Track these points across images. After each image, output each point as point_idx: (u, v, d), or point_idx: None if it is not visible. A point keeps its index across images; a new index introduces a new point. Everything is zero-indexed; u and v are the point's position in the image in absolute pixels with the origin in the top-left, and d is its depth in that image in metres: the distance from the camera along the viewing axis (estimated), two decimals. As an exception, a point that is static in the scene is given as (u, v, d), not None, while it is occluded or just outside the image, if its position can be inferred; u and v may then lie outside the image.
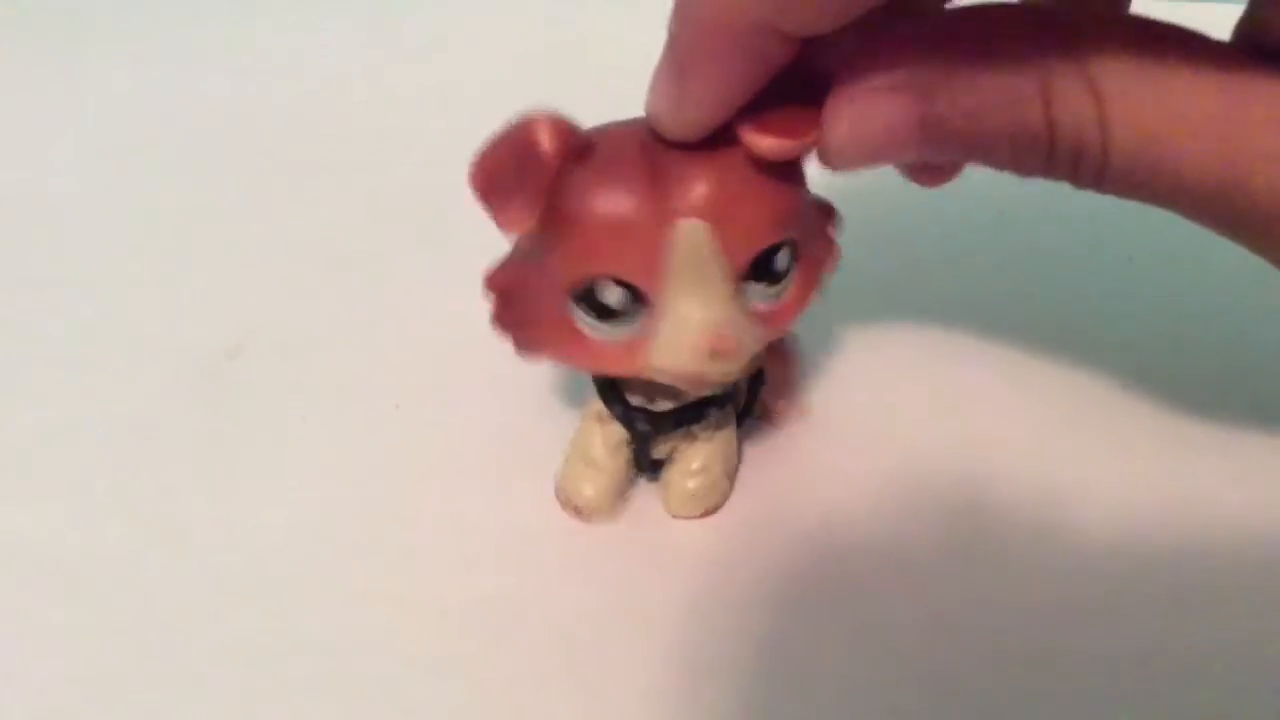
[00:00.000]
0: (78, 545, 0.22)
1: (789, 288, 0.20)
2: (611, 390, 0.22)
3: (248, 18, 0.48)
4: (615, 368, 0.20)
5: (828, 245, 0.22)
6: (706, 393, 0.21)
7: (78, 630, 0.21)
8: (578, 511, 0.22)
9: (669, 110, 0.18)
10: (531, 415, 0.25)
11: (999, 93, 0.16)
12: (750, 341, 0.19)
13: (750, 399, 0.23)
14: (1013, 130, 0.16)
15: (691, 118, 0.18)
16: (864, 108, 0.17)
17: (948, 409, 0.25)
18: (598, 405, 0.22)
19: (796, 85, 0.18)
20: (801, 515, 0.22)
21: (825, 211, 0.22)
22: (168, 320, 0.29)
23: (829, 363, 0.26)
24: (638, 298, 0.19)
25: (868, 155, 0.18)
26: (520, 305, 0.20)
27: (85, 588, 0.21)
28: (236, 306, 0.29)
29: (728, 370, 0.19)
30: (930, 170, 0.22)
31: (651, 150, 0.19)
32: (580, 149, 0.18)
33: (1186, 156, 0.15)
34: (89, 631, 0.20)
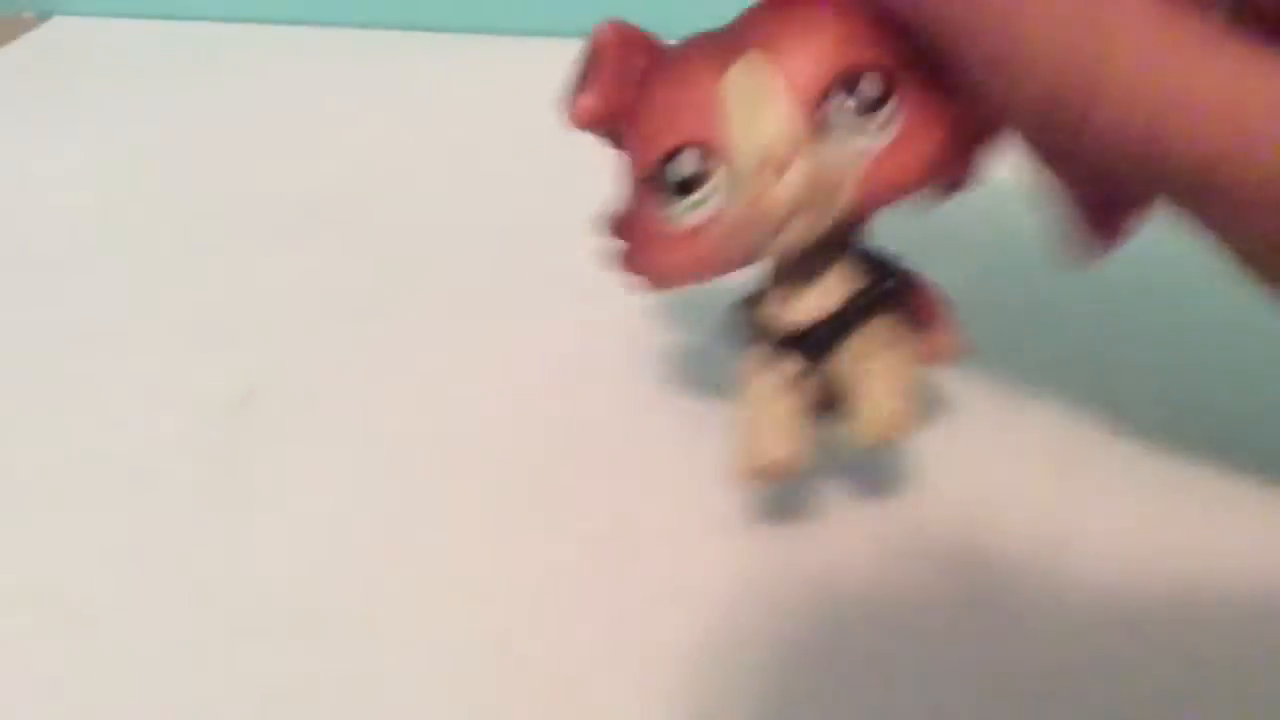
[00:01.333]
0: (87, 588, 0.23)
1: (897, 125, 0.18)
2: (754, 325, 0.20)
3: (262, 65, 0.48)
4: (704, 255, 0.19)
5: (964, 107, 0.18)
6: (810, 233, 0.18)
7: (85, 674, 0.21)
8: (768, 474, 0.20)
9: None
10: (542, 462, 0.25)
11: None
12: (828, 162, 0.18)
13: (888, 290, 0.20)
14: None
15: None
16: None
17: (947, 455, 0.25)
18: (756, 355, 0.20)
19: None
20: (805, 561, 0.22)
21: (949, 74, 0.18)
22: (179, 366, 0.29)
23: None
24: (712, 156, 0.18)
25: None
26: (632, 231, 0.20)
27: (94, 631, 0.22)
28: (248, 352, 0.29)
29: (796, 186, 0.17)
30: (1107, 224, 0.21)
31: (720, 30, 0.19)
32: (645, 46, 0.19)
33: (1189, 124, 0.14)
34: (97, 676, 0.21)
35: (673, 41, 0.20)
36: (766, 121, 0.17)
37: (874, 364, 0.20)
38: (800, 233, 0.18)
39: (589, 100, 0.19)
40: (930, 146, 0.18)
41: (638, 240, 0.20)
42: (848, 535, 0.23)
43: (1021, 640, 0.21)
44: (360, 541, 0.24)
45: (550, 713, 0.20)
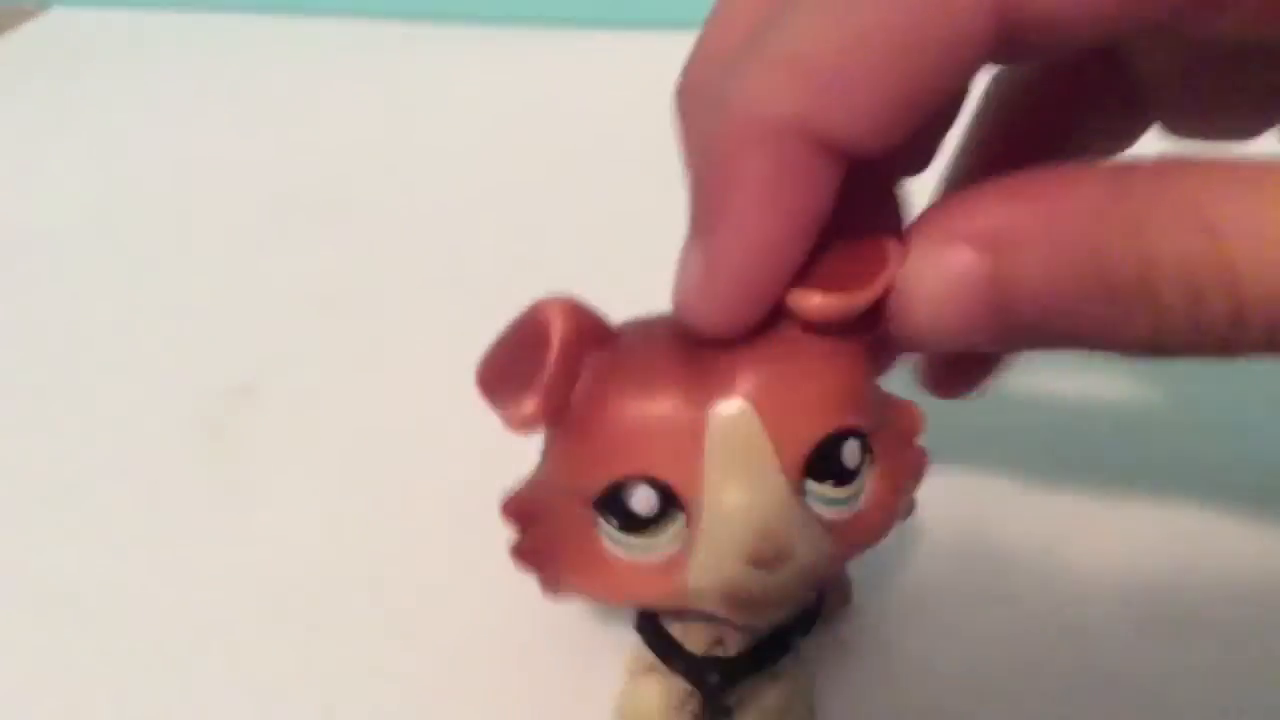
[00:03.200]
0: (87, 582, 0.23)
1: (864, 493, 0.16)
2: (664, 640, 0.18)
3: (262, 56, 0.48)
4: (650, 594, 0.16)
5: (912, 452, 0.17)
6: (768, 622, 0.17)
7: (84, 665, 0.21)
8: None
9: (698, 288, 0.15)
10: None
11: (1079, 238, 0.13)
12: (810, 548, 0.15)
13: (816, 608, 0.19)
14: (1101, 283, 0.13)
15: (726, 292, 0.15)
16: (928, 263, 0.14)
17: (949, 452, 0.25)
18: (648, 657, 0.18)
19: (848, 255, 0.15)
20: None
21: (904, 411, 0.17)
22: (178, 361, 0.29)
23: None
24: (671, 501, 0.15)
25: (934, 321, 0.14)
26: (542, 531, 0.17)
27: (94, 625, 0.22)
28: (248, 347, 0.30)
29: (782, 585, 0.15)
30: (958, 373, 0.20)
31: (686, 339, 0.16)
32: (598, 335, 0.16)
33: None
34: (95, 668, 0.21)
35: (623, 324, 0.17)
36: (753, 494, 0.15)
37: (767, 689, 0.18)
38: (769, 619, 0.16)
39: (532, 412, 0.15)
40: (894, 506, 0.17)
41: (556, 545, 0.17)
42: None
43: (1023, 635, 0.21)
44: (359, 534, 0.24)
45: (550, 705, 0.20)
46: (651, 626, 0.18)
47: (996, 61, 0.14)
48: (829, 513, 0.16)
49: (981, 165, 0.19)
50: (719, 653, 0.17)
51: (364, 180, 0.38)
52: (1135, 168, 0.13)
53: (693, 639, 0.17)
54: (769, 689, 0.18)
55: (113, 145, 0.42)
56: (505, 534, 0.23)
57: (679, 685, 0.18)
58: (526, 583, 0.22)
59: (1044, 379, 0.26)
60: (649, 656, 0.18)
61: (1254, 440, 0.25)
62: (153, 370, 0.29)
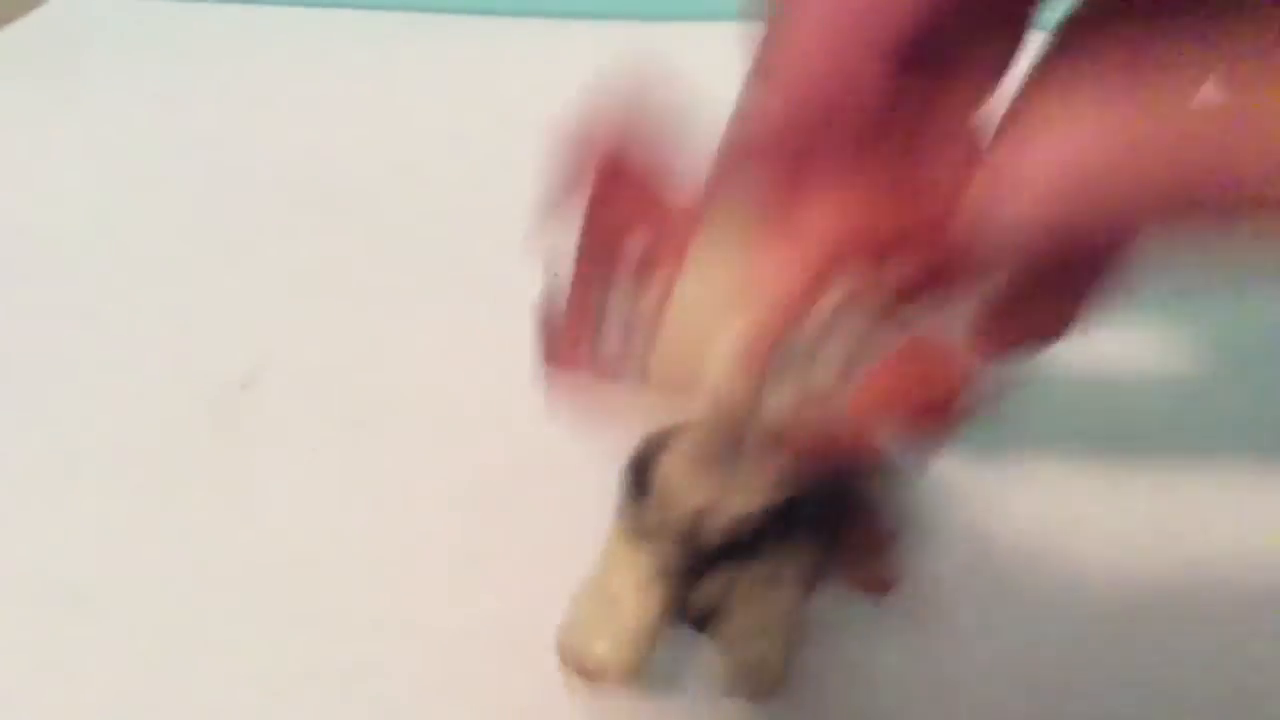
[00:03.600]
0: (88, 573, 0.23)
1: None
2: (645, 493, 0.16)
3: (269, 45, 0.48)
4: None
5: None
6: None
7: (84, 654, 0.21)
8: (588, 674, 0.16)
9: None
10: (545, 444, 0.25)
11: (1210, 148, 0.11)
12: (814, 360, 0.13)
13: (825, 555, 0.17)
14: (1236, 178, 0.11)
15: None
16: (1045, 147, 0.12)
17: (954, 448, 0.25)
18: (624, 525, 0.16)
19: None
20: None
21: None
22: (182, 350, 0.29)
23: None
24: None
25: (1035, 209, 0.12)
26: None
27: (97, 611, 0.22)
28: (250, 336, 0.30)
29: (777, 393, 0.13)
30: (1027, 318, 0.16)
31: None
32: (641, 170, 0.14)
33: None
34: (96, 659, 0.21)
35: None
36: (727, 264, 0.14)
37: (758, 606, 0.16)
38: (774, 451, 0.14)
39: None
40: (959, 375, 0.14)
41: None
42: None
43: (1032, 631, 0.21)
44: (360, 523, 0.24)
45: (551, 696, 0.20)
46: (643, 477, 0.16)
47: None
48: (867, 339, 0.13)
49: None
50: (702, 522, 0.14)
51: (366, 169, 0.38)
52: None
53: (680, 494, 0.15)
54: (743, 605, 0.15)
55: (117, 132, 0.41)
56: (517, 530, 0.23)
57: (650, 559, 0.16)
58: (530, 574, 0.22)
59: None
60: (631, 527, 0.16)
61: (1262, 435, 0.25)
62: (154, 361, 0.29)
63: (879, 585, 0.17)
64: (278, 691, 0.20)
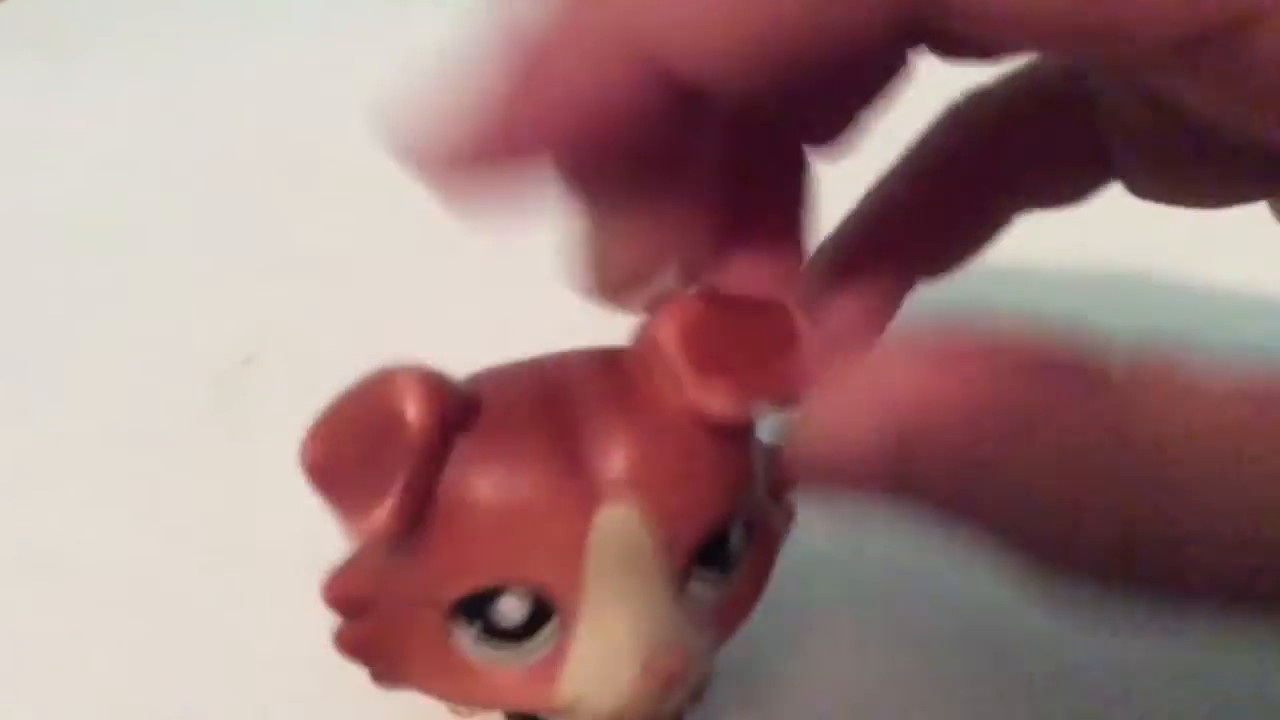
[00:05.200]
0: (91, 549, 0.23)
1: (741, 572, 0.15)
2: None
3: (260, 31, 0.48)
4: (520, 700, 0.15)
5: (784, 510, 0.16)
6: None
7: (84, 635, 0.22)
8: None
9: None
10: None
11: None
12: (698, 655, 0.14)
13: None
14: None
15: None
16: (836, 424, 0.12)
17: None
18: None
19: (751, 326, 0.14)
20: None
21: (776, 464, 0.15)
22: (182, 329, 0.29)
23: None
24: (543, 609, 0.14)
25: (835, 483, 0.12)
26: (377, 623, 0.15)
27: (98, 590, 0.23)
28: (250, 315, 0.30)
29: (673, 701, 0.14)
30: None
31: (553, 403, 0.14)
32: (459, 416, 0.14)
33: None
34: (98, 637, 0.22)
35: (480, 383, 0.15)
36: (645, 611, 0.14)
37: None
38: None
39: (386, 518, 0.13)
40: (765, 577, 0.16)
41: (396, 643, 0.15)
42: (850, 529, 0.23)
43: (1026, 640, 0.21)
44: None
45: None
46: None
47: (919, 43, 0.13)
48: (710, 597, 0.15)
49: (914, 194, 0.17)
50: None
51: (363, 148, 0.38)
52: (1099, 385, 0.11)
53: None
54: None
55: (116, 111, 0.41)
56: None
57: None
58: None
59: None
60: None
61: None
62: (156, 338, 0.29)
63: None
64: (277, 666, 0.21)
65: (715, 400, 0.14)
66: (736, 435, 0.14)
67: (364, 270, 0.31)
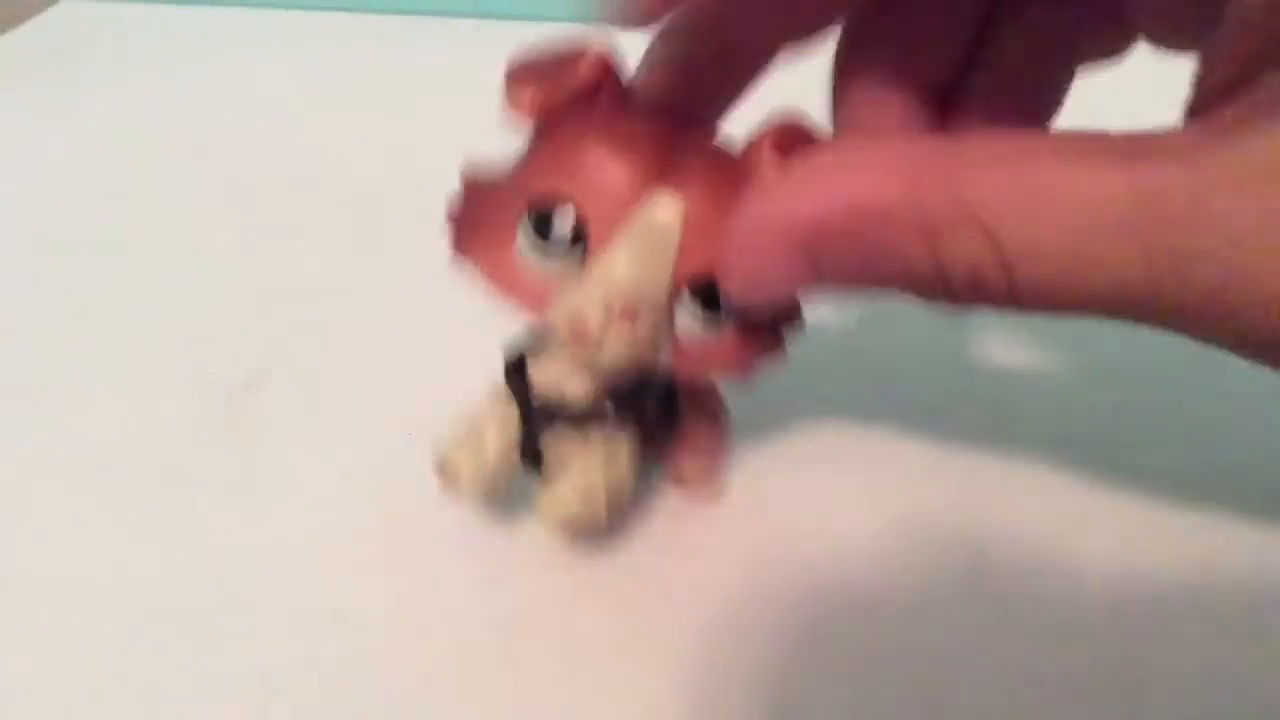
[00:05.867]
0: (96, 570, 0.23)
1: (721, 331, 0.20)
2: (516, 369, 0.21)
3: (271, 50, 0.48)
4: (524, 295, 0.19)
5: (775, 339, 0.21)
6: (595, 367, 0.19)
7: (93, 659, 0.21)
8: (449, 481, 0.21)
9: None
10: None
11: (881, 240, 0.15)
12: (652, 330, 0.19)
13: (661, 429, 0.22)
14: (903, 274, 0.15)
15: None
16: (752, 261, 0.17)
17: (945, 451, 0.25)
18: (502, 384, 0.22)
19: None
20: (802, 547, 0.23)
21: (790, 312, 0.21)
22: (188, 352, 0.29)
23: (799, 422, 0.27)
24: (581, 238, 0.19)
25: (764, 297, 0.18)
26: (479, 203, 0.20)
27: (102, 608, 0.22)
28: (256, 340, 0.30)
29: (616, 336, 0.18)
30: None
31: (677, 135, 0.19)
32: (616, 88, 0.19)
33: (1108, 275, 0.14)
34: (104, 659, 0.21)
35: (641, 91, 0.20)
36: (645, 269, 0.18)
37: (577, 462, 0.21)
38: (596, 365, 0.19)
39: (529, 100, 0.18)
40: (735, 359, 0.20)
41: (482, 222, 0.20)
42: (848, 530, 0.23)
43: (1023, 634, 0.21)
44: (364, 527, 0.24)
45: (556, 702, 0.20)
46: (516, 359, 0.21)
47: None
48: (688, 327, 0.19)
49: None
50: (555, 398, 0.21)
51: (372, 173, 0.38)
52: (921, 161, 0.15)
53: (541, 377, 0.21)
54: (578, 450, 0.21)
55: (121, 137, 0.42)
56: (515, 524, 0.24)
57: (514, 413, 0.21)
58: (535, 577, 0.22)
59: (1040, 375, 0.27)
60: (504, 387, 0.21)
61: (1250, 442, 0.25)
62: (162, 362, 0.29)
63: (686, 481, 0.24)
64: (280, 689, 0.21)
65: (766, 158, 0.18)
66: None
67: (370, 293, 0.32)
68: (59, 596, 0.23)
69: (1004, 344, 0.28)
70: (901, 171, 0.15)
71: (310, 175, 0.38)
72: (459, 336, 0.29)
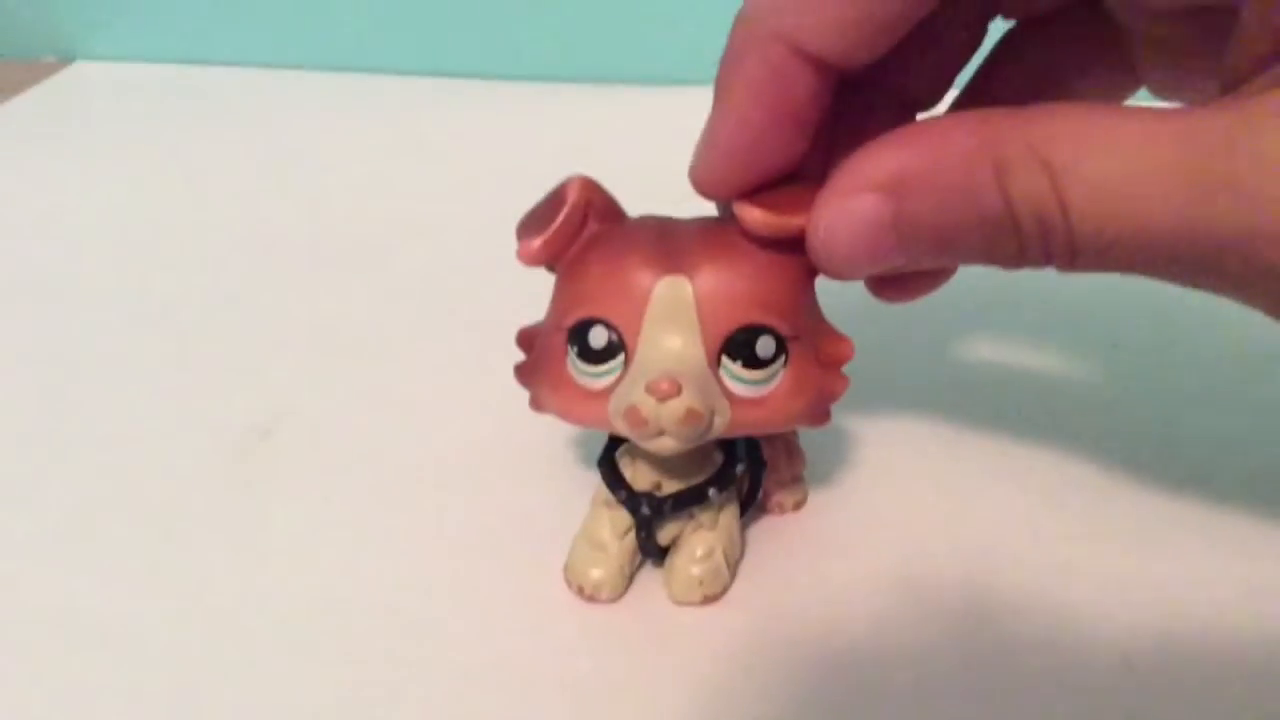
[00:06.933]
0: (110, 617, 0.23)
1: (774, 384, 0.20)
2: (615, 475, 0.22)
3: (283, 109, 0.50)
4: (588, 415, 0.20)
5: (834, 374, 0.21)
6: (669, 450, 0.20)
7: (106, 700, 0.21)
8: (584, 593, 0.23)
9: (698, 152, 0.20)
10: (548, 494, 0.26)
11: (957, 181, 0.16)
12: (704, 398, 0.19)
13: (753, 486, 0.24)
14: (977, 218, 0.16)
15: (715, 159, 0.19)
16: (838, 210, 0.18)
17: (945, 500, 0.25)
18: (605, 491, 0.22)
19: (807, 191, 0.19)
20: (804, 604, 0.23)
21: (835, 340, 0.21)
22: (202, 402, 0.30)
23: (828, 455, 0.27)
24: (618, 343, 0.20)
25: (850, 257, 0.18)
26: (535, 355, 0.22)
27: (117, 653, 0.22)
28: (268, 389, 0.30)
29: (671, 414, 0.19)
30: (897, 285, 0.23)
31: (668, 228, 0.21)
32: (606, 209, 0.21)
33: (1153, 209, 0.15)
34: (117, 702, 0.21)
35: (630, 216, 0.22)
36: (672, 345, 0.20)
37: (693, 541, 0.22)
38: (667, 446, 0.20)
39: (538, 247, 0.20)
40: (796, 407, 0.21)
41: (540, 366, 0.21)
42: (850, 578, 0.23)
43: (1020, 672, 0.21)
44: (376, 570, 0.24)
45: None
46: (608, 463, 0.23)
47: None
48: (736, 388, 0.20)
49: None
50: (656, 493, 0.22)
51: (382, 226, 0.39)
52: (997, 116, 0.16)
53: (639, 479, 0.22)
54: (695, 535, 0.22)
55: (135, 195, 0.42)
56: (522, 572, 0.24)
57: (624, 517, 0.22)
58: (544, 619, 0.23)
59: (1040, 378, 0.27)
60: (606, 491, 0.23)
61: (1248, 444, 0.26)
62: (176, 411, 0.29)
63: (785, 509, 0.25)
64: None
65: (746, 213, 0.19)
66: (787, 272, 0.20)
67: (381, 345, 0.32)
68: (71, 639, 0.23)
69: (1002, 383, 0.29)
70: (979, 123, 0.16)
71: (321, 228, 0.39)
72: (469, 385, 0.30)
